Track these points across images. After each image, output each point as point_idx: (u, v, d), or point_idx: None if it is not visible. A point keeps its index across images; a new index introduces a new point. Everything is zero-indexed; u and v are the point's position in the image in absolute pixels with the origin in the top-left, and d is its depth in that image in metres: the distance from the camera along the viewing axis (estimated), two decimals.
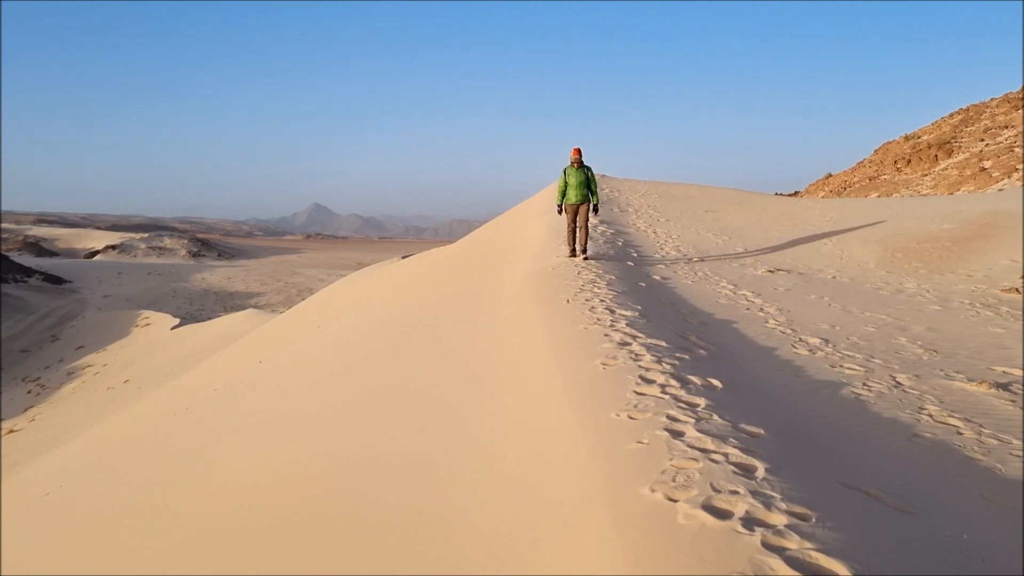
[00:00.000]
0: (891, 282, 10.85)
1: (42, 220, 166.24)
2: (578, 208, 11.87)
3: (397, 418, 6.28)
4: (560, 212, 12.29)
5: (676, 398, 4.64)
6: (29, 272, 61.31)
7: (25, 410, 26.32)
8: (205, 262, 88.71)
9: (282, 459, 6.46)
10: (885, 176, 39.36)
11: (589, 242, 12.46)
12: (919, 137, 43.20)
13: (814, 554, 2.69)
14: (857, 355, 6.74)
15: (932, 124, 44.85)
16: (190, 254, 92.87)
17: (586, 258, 11.50)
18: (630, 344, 6.19)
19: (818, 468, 3.83)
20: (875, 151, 47.07)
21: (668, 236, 15.89)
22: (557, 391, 5.18)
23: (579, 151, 11.88)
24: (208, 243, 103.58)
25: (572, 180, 11.88)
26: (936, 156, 36.94)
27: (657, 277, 10.90)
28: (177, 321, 37.86)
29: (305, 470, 5.87)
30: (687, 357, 5.96)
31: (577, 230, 11.83)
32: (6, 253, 72.67)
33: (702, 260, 12.95)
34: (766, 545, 2.74)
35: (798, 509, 3.05)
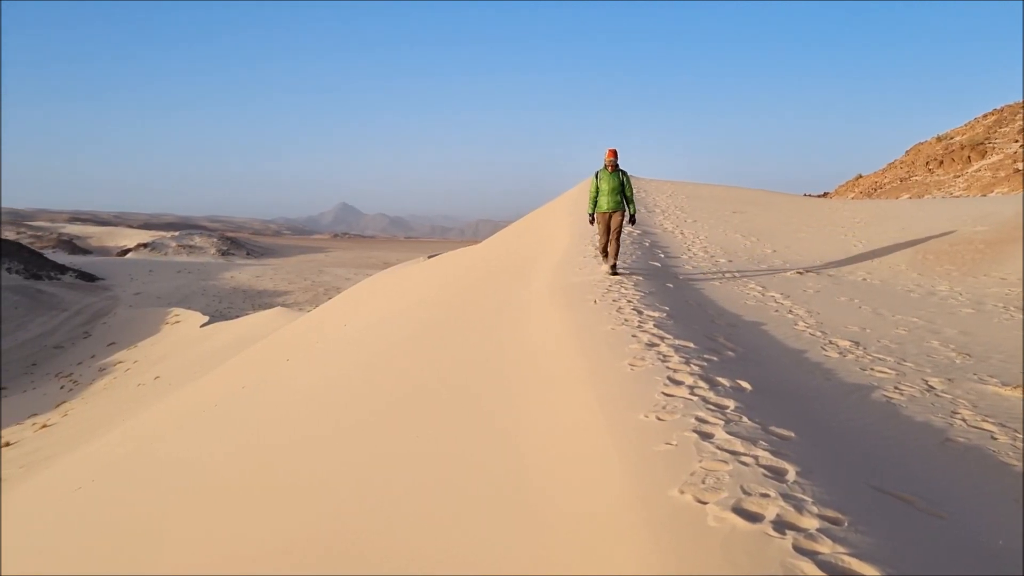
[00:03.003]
0: (923, 284, 10.71)
1: (76, 218, 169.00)
2: (610, 217, 10.51)
3: (419, 419, 6.31)
4: (592, 222, 10.88)
5: (705, 400, 4.62)
6: (63, 269, 62.43)
7: (58, 405, 26.76)
8: (234, 260, 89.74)
9: (305, 456, 6.52)
10: (917, 177, 38.83)
11: (619, 254, 11.05)
12: (952, 138, 42.56)
13: (846, 558, 2.67)
14: (888, 358, 6.66)
15: (965, 125, 44.15)
16: (219, 252, 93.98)
17: (614, 272, 10.27)
18: (658, 345, 6.17)
19: (849, 472, 3.80)
20: (906, 152, 46.45)
21: (695, 237, 15.80)
22: (585, 391, 5.18)
23: (615, 153, 10.51)
24: (237, 242, 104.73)
25: (604, 185, 10.49)
26: (969, 157, 36.38)
27: (684, 278, 10.84)
28: (206, 319, 38.33)
29: (328, 469, 5.92)
30: (715, 358, 5.93)
31: (608, 243, 10.47)
32: (40, 251, 73.99)
33: (730, 261, 12.87)
34: (798, 549, 2.72)
35: (830, 513, 3.03)
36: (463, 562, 3.58)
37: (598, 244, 10.58)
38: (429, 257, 29.94)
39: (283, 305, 45.65)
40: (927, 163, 39.59)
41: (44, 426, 23.27)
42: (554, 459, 4.35)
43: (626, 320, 7.21)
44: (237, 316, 39.64)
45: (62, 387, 30.43)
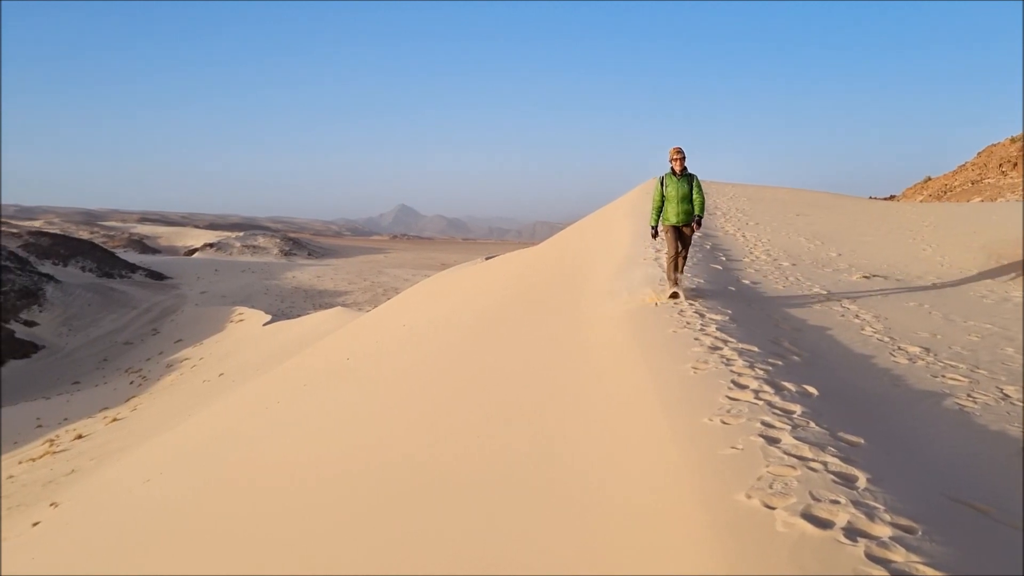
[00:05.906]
0: (996, 290, 10.36)
1: (145, 219, 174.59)
2: (680, 230, 8.67)
3: (480, 419, 6.36)
4: (655, 235, 9.20)
5: (770, 404, 4.55)
6: (133, 268, 64.67)
7: (128, 399, 27.70)
8: (296, 260, 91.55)
9: (366, 454, 6.64)
10: (989, 180, 37.53)
11: (686, 271, 9.21)
12: None
13: (921, 567, 2.61)
14: (960, 365, 6.47)
15: None
16: (282, 252, 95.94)
17: (675, 295, 8.39)
18: (721, 348, 6.10)
19: (922, 480, 3.71)
20: (978, 154, 44.90)
21: (757, 240, 15.54)
22: (648, 395, 5.15)
23: (681, 152, 8.58)
24: (299, 242, 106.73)
25: (672, 192, 8.59)
26: None
27: (747, 282, 10.68)
28: (269, 317, 39.26)
29: (384, 468, 6.01)
30: (780, 363, 5.84)
31: (677, 258, 8.64)
32: (112, 250, 76.72)
33: (793, 265, 12.63)
34: (870, 556, 2.68)
35: (903, 521, 2.97)
36: (533, 563, 3.62)
37: (666, 262, 8.79)
38: (487, 259, 30.08)
39: (343, 305, 46.43)
40: (1000, 165, 38.24)
41: (115, 420, 24.12)
42: (616, 463, 4.35)
43: (688, 323, 7.13)
44: (299, 315, 40.48)
45: (131, 382, 31.50)
